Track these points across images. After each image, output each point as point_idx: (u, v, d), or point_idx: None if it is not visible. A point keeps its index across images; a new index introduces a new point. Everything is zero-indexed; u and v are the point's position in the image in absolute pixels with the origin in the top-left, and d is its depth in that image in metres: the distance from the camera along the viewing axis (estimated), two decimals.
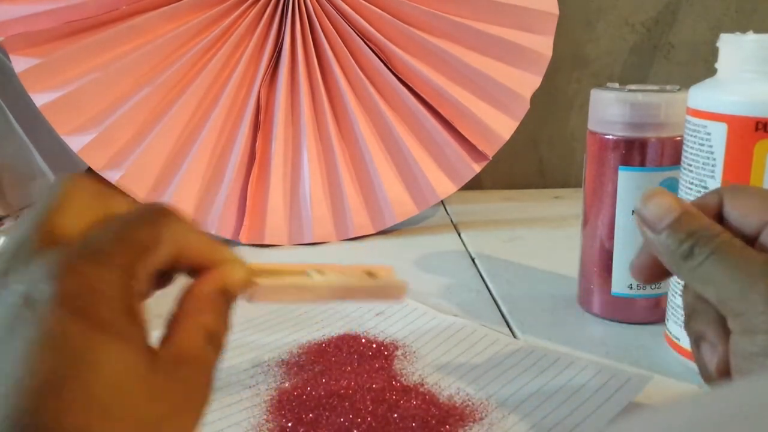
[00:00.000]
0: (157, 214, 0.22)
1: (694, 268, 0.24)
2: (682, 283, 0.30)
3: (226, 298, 0.24)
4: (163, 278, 0.24)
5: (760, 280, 0.22)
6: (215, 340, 0.23)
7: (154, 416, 0.19)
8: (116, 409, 0.18)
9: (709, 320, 0.25)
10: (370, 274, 0.29)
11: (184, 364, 0.21)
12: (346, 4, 0.58)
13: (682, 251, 0.24)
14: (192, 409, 0.21)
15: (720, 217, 0.26)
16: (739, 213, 0.25)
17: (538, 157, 0.76)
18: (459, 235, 0.60)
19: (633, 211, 0.27)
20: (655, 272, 0.27)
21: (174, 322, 0.23)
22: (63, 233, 0.21)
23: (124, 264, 0.20)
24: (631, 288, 0.41)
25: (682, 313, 0.27)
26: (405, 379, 0.35)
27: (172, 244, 0.22)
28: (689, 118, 0.35)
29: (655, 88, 0.40)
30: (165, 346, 0.21)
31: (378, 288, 0.29)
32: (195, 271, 0.24)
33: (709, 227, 0.24)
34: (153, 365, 0.20)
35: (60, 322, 0.18)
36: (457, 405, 0.32)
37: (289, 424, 0.31)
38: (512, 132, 0.61)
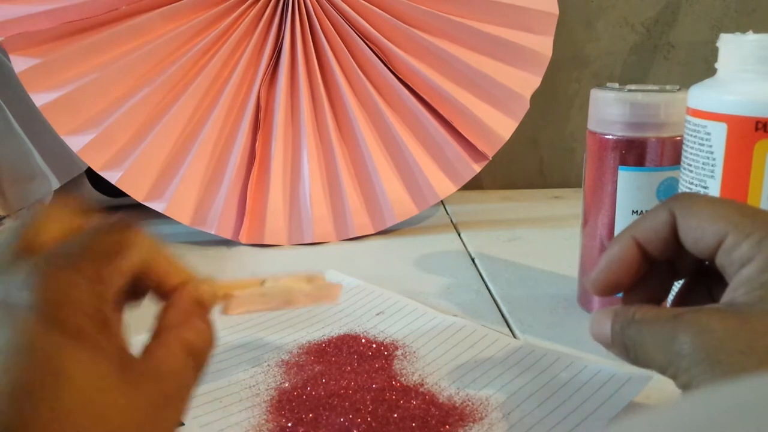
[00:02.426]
0: (123, 226, 0.23)
1: (636, 359, 0.26)
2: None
3: (203, 310, 0.25)
4: (135, 293, 0.25)
5: (674, 343, 0.23)
6: (196, 356, 0.23)
7: (124, 428, 0.19)
8: (85, 421, 0.18)
9: None
10: (310, 280, 0.32)
11: (160, 377, 0.21)
12: (346, 4, 0.58)
13: (623, 348, 0.26)
14: (163, 423, 0.21)
15: (675, 237, 0.27)
16: (693, 236, 0.26)
17: (538, 157, 0.76)
18: (459, 235, 0.60)
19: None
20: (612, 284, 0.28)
21: (154, 336, 0.23)
22: (39, 245, 0.22)
23: (91, 267, 0.21)
24: None
25: None
26: (405, 379, 0.35)
27: (137, 254, 0.23)
28: (689, 118, 0.35)
29: (655, 88, 0.40)
30: (144, 358, 0.22)
31: (321, 290, 0.32)
32: (163, 291, 0.25)
33: (627, 312, 0.26)
34: (126, 375, 0.20)
35: (33, 330, 0.18)
36: (457, 405, 0.32)
37: (289, 424, 0.31)
38: (512, 132, 0.61)
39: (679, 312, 0.24)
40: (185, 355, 0.22)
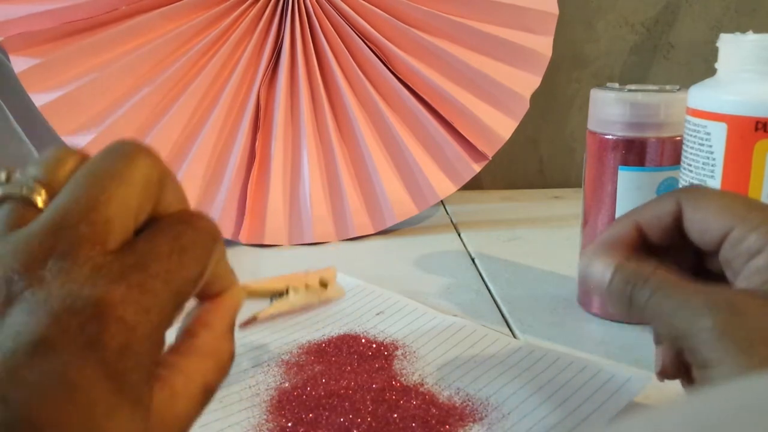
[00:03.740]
0: (210, 243, 0.21)
1: (641, 309, 0.25)
2: None
3: (233, 336, 0.24)
4: None
5: (704, 317, 0.23)
6: (210, 395, 0.22)
7: None
8: None
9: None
10: (323, 280, 0.33)
11: (175, 420, 0.20)
12: (346, 4, 0.58)
13: (625, 298, 0.25)
14: None
15: (680, 227, 0.27)
16: (698, 228, 0.26)
17: (538, 157, 0.76)
18: (459, 235, 0.60)
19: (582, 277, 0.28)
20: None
21: (180, 356, 0.21)
22: (111, 230, 0.19)
23: (168, 313, 0.19)
24: None
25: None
26: (405, 379, 0.35)
27: (209, 275, 0.21)
28: (689, 118, 0.35)
29: (655, 88, 0.40)
30: (164, 393, 0.20)
31: (329, 298, 0.33)
32: (203, 294, 0.23)
33: (642, 270, 0.25)
34: (147, 424, 0.19)
35: (89, 377, 0.17)
36: (457, 405, 0.32)
37: (289, 424, 0.31)
38: (512, 132, 0.61)
39: (708, 288, 0.24)
40: (203, 395, 0.21)
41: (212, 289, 0.23)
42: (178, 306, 0.20)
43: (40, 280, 0.17)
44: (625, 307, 0.26)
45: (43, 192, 0.20)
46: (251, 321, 0.30)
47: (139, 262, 0.19)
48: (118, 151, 0.20)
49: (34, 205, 0.20)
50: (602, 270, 0.27)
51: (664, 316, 0.24)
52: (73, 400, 0.17)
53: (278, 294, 0.31)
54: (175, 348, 0.22)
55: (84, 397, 0.17)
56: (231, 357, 0.23)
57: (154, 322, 0.18)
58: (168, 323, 0.19)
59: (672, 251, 0.28)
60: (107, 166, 0.20)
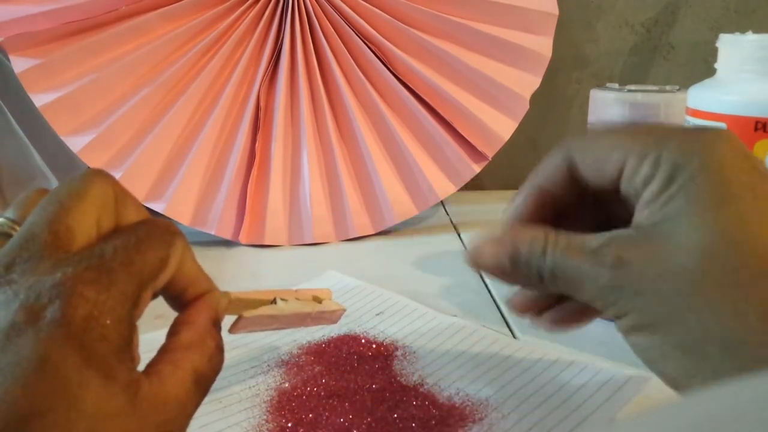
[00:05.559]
0: (168, 236, 0.23)
1: (554, 284, 0.25)
2: None
3: (218, 330, 0.25)
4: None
5: (597, 278, 0.23)
6: (203, 383, 0.23)
7: None
8: None
9: None
10: (316, 298, 0.32)
11: (166, 403, 0.21)
12: (346, 4, 0.58)
13: (533, 279, 0.25)
14: None
15: (575, 177, 0.26)
16: (592, 172, 0.25)
17: (538, 157, 0.76)
18: (459, 235, 0.60)
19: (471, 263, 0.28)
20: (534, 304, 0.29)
21: (166, 352, 0.23)
22: (73, 237, 0.21)
23: (131, 288, 0.21)
24: None
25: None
26: (405, 379, 0.35)
27: (175, 268, 0.23)
28: (689, 118, 0.35)
29: (655, 88, 0.41)
30: (152, 379, 0.21)
31: (325, 313, 0.33)
32: (182, 300, 0.24)
33: (535, 243, 0.25)
34: (135, 403, 0.20)
35: (58, 351, 0.18)
36: (457, 405, 0.32)
37: (289, 424, 0.31)
38: (512, 132, 0.61)
39: (595, 246, 0.24)
40: (193, 381, 0.22)
41: (189, 293, 0.25)
42: (141, 287, 0.21)
43: (10, 281, 0.20)
44: (537, 287, 0.26)
45: (16, 227, 0.22)
46: (238, 321, 0.30)
47: (97, 252, 0.21)
48: (76, 176, 0.22)
49: (10, 237, 0.22)
50: (497, 257, 0.26)
51: (575, 286, 0.24)
52: (45, 375, 0.18)
53: (266, 303, 0.31)
54: (161, 348, 0.23)
55: (55, 370, 0.18)
56: (219, 348, 0.24)
57: (117, 299, 0.20)
58: (133, 304, 0.21)
59: (579, 207, 0.28)
60: (65, 188, 0.22)
